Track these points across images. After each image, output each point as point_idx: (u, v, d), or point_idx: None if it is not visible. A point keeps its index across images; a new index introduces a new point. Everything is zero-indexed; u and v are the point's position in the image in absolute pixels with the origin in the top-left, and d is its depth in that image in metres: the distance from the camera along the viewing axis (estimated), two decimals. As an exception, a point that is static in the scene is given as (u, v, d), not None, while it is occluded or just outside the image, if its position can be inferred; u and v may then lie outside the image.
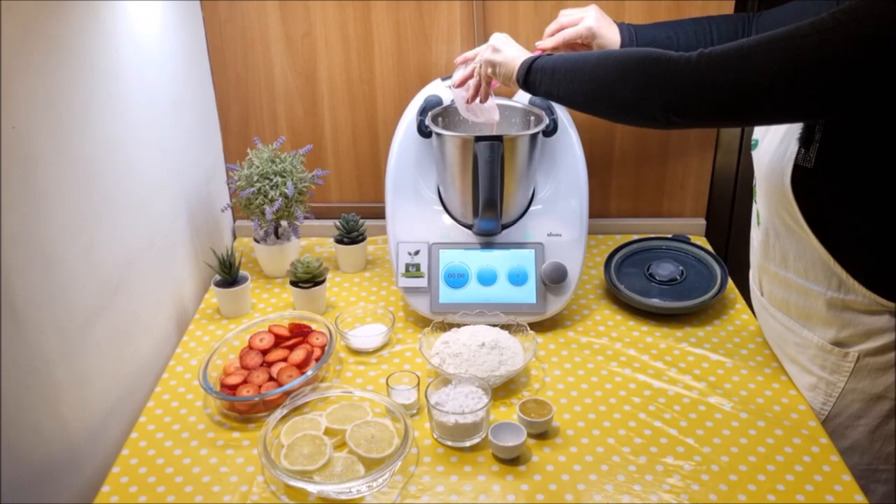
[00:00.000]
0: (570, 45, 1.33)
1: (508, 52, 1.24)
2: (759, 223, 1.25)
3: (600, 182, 1.77)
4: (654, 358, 1.36)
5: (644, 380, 1.31)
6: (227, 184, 1.63)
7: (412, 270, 1.44)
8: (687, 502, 1.06)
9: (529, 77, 1.19)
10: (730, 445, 1.16)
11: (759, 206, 1.23)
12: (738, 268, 1.71)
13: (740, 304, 1.53)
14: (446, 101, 1.49)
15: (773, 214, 1.17)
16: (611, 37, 1.31)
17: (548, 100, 1.40)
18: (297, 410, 1.20)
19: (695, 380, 1.30)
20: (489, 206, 1.36)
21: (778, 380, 1.30)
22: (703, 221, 1.81)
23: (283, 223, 1.63)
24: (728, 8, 1.60)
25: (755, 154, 1.21)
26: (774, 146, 1.13)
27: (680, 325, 1.45)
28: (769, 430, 1.19)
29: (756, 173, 1.21)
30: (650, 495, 1.07)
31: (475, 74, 1.32)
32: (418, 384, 1.24)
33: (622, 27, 1.33)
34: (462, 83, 1.37)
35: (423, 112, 1.45)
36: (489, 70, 1.28)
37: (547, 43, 1.34)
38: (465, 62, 1.38)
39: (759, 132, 1.20)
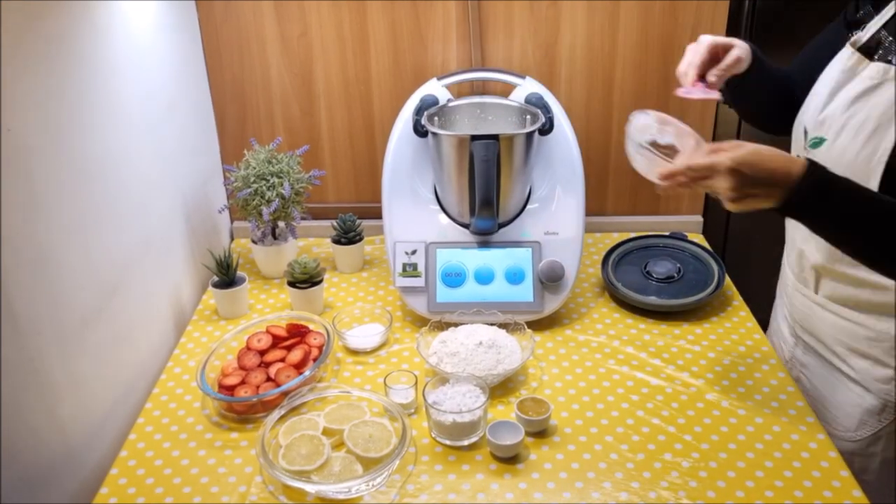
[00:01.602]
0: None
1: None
2: None
3: (597, 180, 1.77)
4: (651, 355, 1.36)
5: (642, 377, 1.31)
6: (224, 185, 1.63)
7: (409, 270, 1.44)
8: (685, 499, 1.06)
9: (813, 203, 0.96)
10: (727, 442, 1.16)
11: None
12: (735, 265, 1.72)
13: (737, 300, 1.53)
14: (442, 101, 1.49)
15: None
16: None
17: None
18: (294, 411, 1.20)
19: (692, 377, 1.30)
20: (486, 205, 1.36)
21: (776, 376, 1.30)
22: (700, 219, 1.81)
23: (281, 224, 1.63)
24: (723, 8, 1.60)
25: (822, 153, 1.12)
26: (858, 146, 1.07)
27: (677, 322, 1.46)
28: (767, 426, 1.19)
29: None
30: (648, 492, 1.07)
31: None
32: (416, 383, 1.24)
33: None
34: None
35: (419, 112, 1.45)
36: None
37: (711, 79, 1.17)
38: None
39: (830, 129, 1.11)
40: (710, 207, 1.83)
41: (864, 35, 1.12)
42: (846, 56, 1.12)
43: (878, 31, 1.10)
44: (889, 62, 1.07)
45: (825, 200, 0.96)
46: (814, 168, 0.96)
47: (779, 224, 1.89)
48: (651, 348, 1.38)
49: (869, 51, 1.11)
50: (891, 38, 1.08)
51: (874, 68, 1.08)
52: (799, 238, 1.26)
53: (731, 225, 1.88)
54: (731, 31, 1.64)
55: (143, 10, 1.35)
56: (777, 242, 1.91)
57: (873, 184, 1.05)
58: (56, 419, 1.07)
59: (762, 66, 1.22)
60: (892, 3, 1.10)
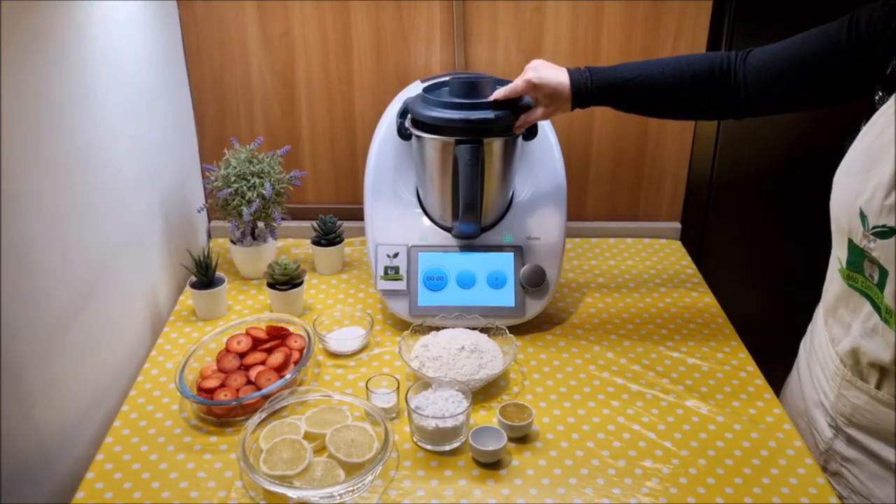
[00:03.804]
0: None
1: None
2: (891, 323, 1.03)
3: (577, 185, 1.78)
4: (631, 361, 1.37)
5: (622, 383, 1.31)
6: (204, 184, 1.61)
7: (391, 273, 1.43)
8: (666, 505, 1.07)
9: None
10: (707, 448, 1.17)
11: (895, 304, 1.01)
12: (712, 271, 1.73)
13: (715, 307, 1.54)
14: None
15: None
16: (558, 87, 1.28)
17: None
18: (275, 414, 1.18)
19: (672, 383, 1.31)
20: (469, 209, 1.36)
21: (753, 383, 1.31)
22: (678, 225, 1.83)
23: (260, 224, 1.61)
24: (706, 10, 1.62)
25: (891, 244, 0.99)
26: None
27: (657, 328, 1.47)
28: (745, 433, 1.20)
29: (893, 269, 0.99)
30: (629, 498, 1.08)
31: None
32: (398, 388, 1.24)
33: (573, 71, 1.28)
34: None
35: (402, 114, 1.44)
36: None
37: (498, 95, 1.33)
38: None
39: None
40: (688, 214, 1.85)
41: None
42: None
43: None
44: None
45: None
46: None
47: (754, 233, 1.92)
48: (631, 354, 1.39)
49: None
50: None
51: None
52: (856, 331, 1.10)
53: (708, 232, 1.90)
54: (714, 34, 1.65)
55: (122, 8, 1.33)
56: (752, 250, 1.94)
57: None
58: (31, 422, 1.05)
59: (617, 89, 1.26)
60: None
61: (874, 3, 1.07)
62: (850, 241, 1.06)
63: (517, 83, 1.30)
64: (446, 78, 1.46)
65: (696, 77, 1.23)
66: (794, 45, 1.16)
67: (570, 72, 1.28)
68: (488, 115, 1.32)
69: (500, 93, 1.32)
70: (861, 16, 1.08)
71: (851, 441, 1.15)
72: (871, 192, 1.00)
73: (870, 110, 1.06)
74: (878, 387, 1.09)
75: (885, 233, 0.99)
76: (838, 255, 1.12)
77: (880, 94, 1.06)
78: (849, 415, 1.15)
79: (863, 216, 1.02)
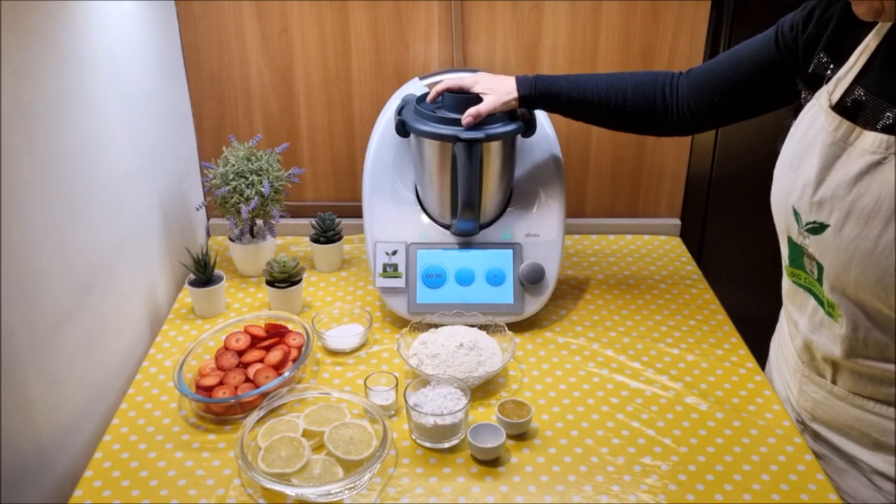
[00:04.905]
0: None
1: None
2: (834, 316, 1.05)
3: (576, 182, 1.78)
4: (631, 358, 1.37)
5: (621, 380, 1.31)
6: (202, 182, 1.61)
7: (390, 271, 1.43)
8: (665, 502, 1.07)
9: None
10: (706, 445, 1.17)
11: (835, 298, 1.03)
12: (711, 267, 1.73)
13: (715, 304, 1.54)
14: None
15: (864, 308, 1.01)
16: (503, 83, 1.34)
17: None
18: (274, 412, 1.18)
19: (671, 380, 1.31)
20: (468, 206, 1.36)
21: (753, 380, 1.31)
22: (677, 222, 1.83)
23: (259, 222, 1.61)
24: (705, 7, 1.61)
25: (826, 240, 1.00)
26: (875, 234, 0.95)
27: (656, 324, 1.46)
28: (744, 429, 1.20)
29: (827, 263, 1.01)
30: (628, 495, 1.08)
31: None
32: (396, 385, 1.24)
33: (519, 79, 1.33)
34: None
35: (401, 111, 1.44)
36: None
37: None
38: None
39: (832, 213, 0.99)
40: (688, 211, 1.84)
41: (835, 93, 1.00)
42: (827, 122, 0.99)
43: (853, 88, 0.98)
44: (891, 131, 0.93)
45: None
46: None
47: (754, 229, 1.92)
48: (630, 351, 1.39)
49: (846, 111, 0.98)
50: (873, 97, 0.96)
51: (871, 139, 0.94)
52: (805, 327, 1.13)
53: (708, 228, 1.89)
54: (713, 32, 1.65)
55: (120, 6, 1.33)
56: (752, 247, 1.93)
57: (887, 277, 0.94)
58: (29, 420, 1.05)
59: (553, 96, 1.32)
60: (857, 53, 0.99)
61: (796, 10, 1.12)
62: (790, 239, 1.09)
63: (485, 107, 1.32)
64: (445, 76, 1.46)
65: (635, 93, 1.29)
66: (729, 60, 1.22)
67: (517, 78, 1.34)
68: (478, 135, 1.32)
69: (468, 119, 1.33)
70: (785, 23, 1.13)
71: (817, 437, 1.18)
72: (801, 189, 1.03)
73: (797, 109, 1.09)
74: (834, 381, 1.12)
75: (816, 229, 1.02)
76: (783, 252, 1.14)
77: (805, 93, 1.09)
78: (811, 410, 1.18)
79: (796, 214, 1.05)
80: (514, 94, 1.32)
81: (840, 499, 1.08)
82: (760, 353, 1.39)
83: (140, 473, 1.11)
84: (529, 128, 1.42)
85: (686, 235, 1.83)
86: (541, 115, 1.48)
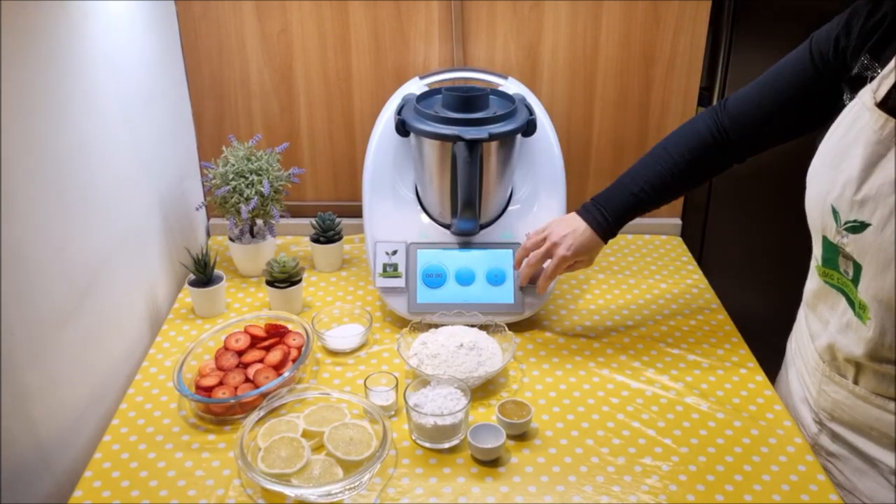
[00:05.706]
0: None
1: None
2: (864, 318, 1.04)
3: (577, 181, 1.78)
4: (631, 358, 1.37)
5: (622, 380, 1.31)
6: (202, 182, 1.60)
7: (390, 270, 1.43)
8: (665, 502, 1.06)
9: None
10: (707, 445, 1.17)
11: (868, 300, 1.02)
12: (712, 267, 1.73)
13: (716, 304, 1.54)
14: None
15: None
16: (589, 245, 1.32)
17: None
18: (273, 412, 1.18)
19: (672, 380, 1.31)
20: (468, 206, 1.35)
21: (753, 380, 1.31)
22: (678, 221, 1.82)
23: (259, 222, 1.61)
24: (705, 7, 1.61)
25: (867, 240, 0.99)
26: None
27: (657, 324, 1.46)
28: (745, 430, 1.20)
29: (866, 262, 1.00)
30: (629, 496, 1.07)
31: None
32: (396, 385, 1.24)
33: (588, 217, 1.32)
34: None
35: (401, 111, 1.44)
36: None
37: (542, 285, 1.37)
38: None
39: (876, 212, 0.97)
40: (689, 211, 1.84)
41: (880, 90, 0.98)
42: (872, 120, 0.97)
43: None
44: None
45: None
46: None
47: (755, 229, 1.92)
48: (630, 351, 1.39)
49: (892, 109, 0.95)
50: None
51: None
52: (833, 327, 1.12)
53: (709, 228, 1.89)
54: (713, 32, 1.65)
55: (120, 6, 1.32)
56: (753, 246, 1.93)
57: None
58: (28, 420, 1.05)
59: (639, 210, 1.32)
60: None
61: (828, 24, 1.10)
62: (825, 238, 1.07)
63: (554, 268, 1.33)
64: (445, 76, 1.46)
65: (694, 157, 1.28)
66: (768, 86, 1.20)
67: (584, 218, 1.33)
68: (480, 134, 1.32)
69: (543, 283, 1.36)
70: (820, 38, 1.11)
71: (835, 436, 1.17)
72: (841, 188, 1.01)
73: (840, 111, 1.07)
74: (856, 382, 1.11)
75: (856, 227, 1.00)
76: (815, 252, 1.13)
77: (847, 93, 1.08)
78: (830, 410, 1.16)
79: (835, 212, 1.03)
80: (594, 237, 1.32)
81: (852, 499, 1.07)
82: (761, 353, 1.39)
83: (140, 474, 1.11)
84: (530, 128, 1.42)
85: (687, 235, 1.83)
86: (541, 115, 1.48)
